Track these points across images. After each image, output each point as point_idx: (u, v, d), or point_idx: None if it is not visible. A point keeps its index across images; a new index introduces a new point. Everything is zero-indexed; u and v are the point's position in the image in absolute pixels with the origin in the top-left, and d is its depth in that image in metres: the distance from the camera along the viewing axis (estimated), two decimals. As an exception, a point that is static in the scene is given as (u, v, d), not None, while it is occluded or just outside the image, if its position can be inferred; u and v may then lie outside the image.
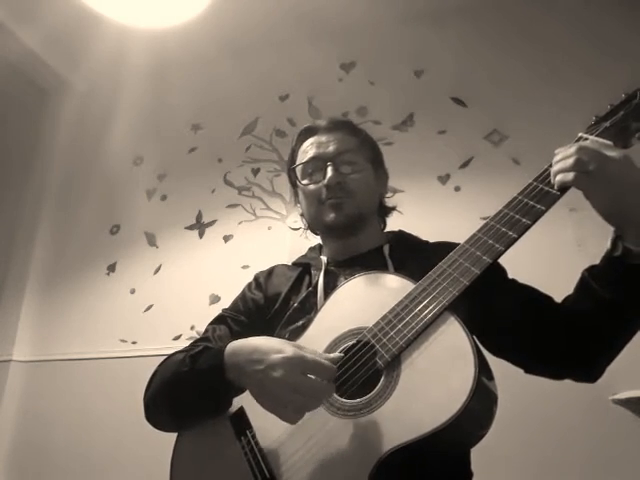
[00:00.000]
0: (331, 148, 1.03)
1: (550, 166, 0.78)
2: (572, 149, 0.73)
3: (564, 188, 0.74)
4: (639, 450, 1.64)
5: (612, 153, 0.72)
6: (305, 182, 1.05)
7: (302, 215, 1.13)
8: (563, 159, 0.74)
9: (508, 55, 2.32)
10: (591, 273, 0.81)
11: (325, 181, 1.00)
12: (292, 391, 0.70)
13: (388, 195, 1.14)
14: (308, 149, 1.06)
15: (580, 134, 0.79)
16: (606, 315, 0.78)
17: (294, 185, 1.12)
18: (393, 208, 1.14)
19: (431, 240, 1.06)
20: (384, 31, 2.54)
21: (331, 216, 1.01)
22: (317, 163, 1.03)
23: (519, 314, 0.88)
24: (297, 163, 1.08)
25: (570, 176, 0.72)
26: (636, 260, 0.74)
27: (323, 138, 1.05)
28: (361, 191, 1.02)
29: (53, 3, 2.37)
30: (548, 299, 0.89)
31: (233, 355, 0.80)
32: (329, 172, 1.00)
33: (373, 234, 1.06)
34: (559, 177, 0.73)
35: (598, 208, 0.74)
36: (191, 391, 0.85)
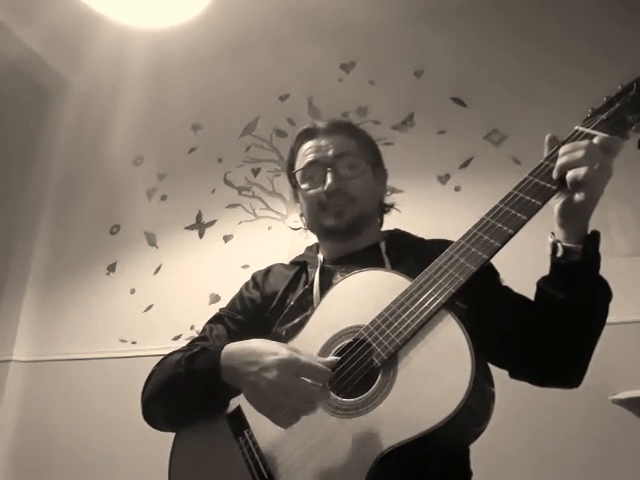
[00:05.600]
0: (330, 152, 1.02)
1: (546, 161, 0.77)
2: (582, 144, 0.74)
3: (571, 183, 0.73)
4: (639, 450, 1.64)
5: (611, 156, 0.73)
6: (305, 186, 1.04)
7: (302, 215, 1.13)
8: (570, 152, 0.74)
9: (508, 55, 2.32)
10: (543, 280, 0.83)
11: (325, 187, 1.00)
12: (284, 394, 0.70)
13: (387, 194, 1.13)
14: (307, 152, 1.05)
15: (576, 127, 0.79)
16: (565, 316, 0.79)
17: (294, 187, 1.12)
18: (391, 205, 1.14)
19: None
20: (384, 31, 2.54)
21: (331, 222, 1.01)
22: (316, 168, 1.03)
23: (510, 321, 0.87)
24: (297, 167, 1.07)
25: (582, 171, 0.71)
26: (576, 257, 0.76)
27: (322, 142, 1.04)
28: (361, 195, 1.02)
29: (53, 3, 2.38)
30: (538, 310, 0.88)
31: (228, 357, 0.80)
32: (329, 179, 0.99)
33: (371, 233, 1.06)
34: (571, 172, 0.73)
35: (575, 206, 0.75)
36: (187, 393, 0.85)
